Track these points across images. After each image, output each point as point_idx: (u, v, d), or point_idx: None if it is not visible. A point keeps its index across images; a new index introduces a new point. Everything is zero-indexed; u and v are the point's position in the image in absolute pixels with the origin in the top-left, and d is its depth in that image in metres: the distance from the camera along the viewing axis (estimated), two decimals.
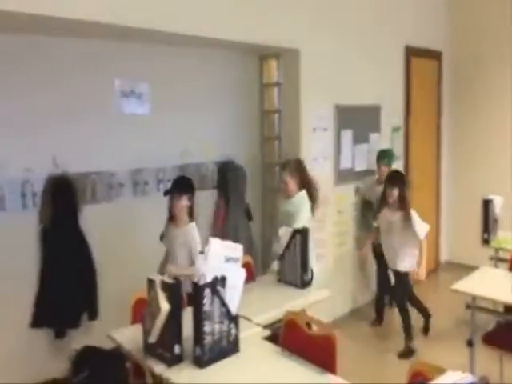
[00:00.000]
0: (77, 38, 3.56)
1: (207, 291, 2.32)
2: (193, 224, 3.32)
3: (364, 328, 4.77)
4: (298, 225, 3.43)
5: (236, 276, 2.46)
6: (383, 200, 4.23)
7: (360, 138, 5.05)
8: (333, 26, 4.61)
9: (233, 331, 2.41)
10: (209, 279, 2.34)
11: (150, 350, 2.40)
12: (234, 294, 2.43)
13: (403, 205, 4.10)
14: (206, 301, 2.32)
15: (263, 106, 4.87)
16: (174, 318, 2.33)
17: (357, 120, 4.98)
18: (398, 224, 4.12)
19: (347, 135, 4.89)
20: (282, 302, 2.94)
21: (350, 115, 4.85)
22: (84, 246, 3.45)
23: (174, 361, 2.30)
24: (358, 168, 5.06)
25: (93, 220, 3.57)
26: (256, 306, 2.87)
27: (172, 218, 3.37)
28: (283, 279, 3.34)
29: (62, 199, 3.41)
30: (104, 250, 3.61)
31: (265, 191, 4.87)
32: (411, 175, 5.68)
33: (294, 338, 2.48)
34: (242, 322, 2.48)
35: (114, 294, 3.51)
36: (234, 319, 2.42)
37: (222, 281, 2.38)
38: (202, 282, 2.32)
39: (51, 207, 3.39)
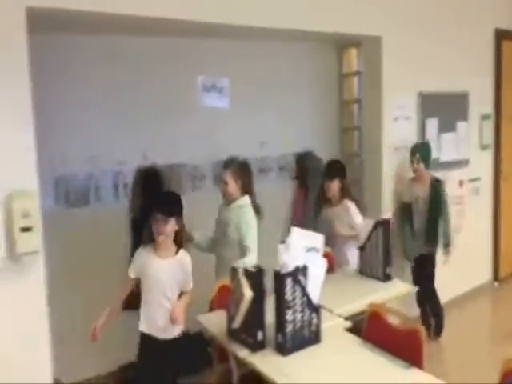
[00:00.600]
0: (162, 38, 3.72)
1: (289, 280, 2.36)
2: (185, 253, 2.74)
3: None
4: (249, 244, 3.03)
5: (317, 266, 2.47)
6: (322, 196, 3.75)
7: (446, 127, 4.84)
8: (415, 10, 4.44)
9: (314, 321, 2.43)
10: (290, 269, 2.37)
11: (233, 335, 2.48)
12: (315, 284, 2.44)
13: (345, 199, 3.62)
14: (288, 290, 2.35)
15: (342, 96, 4.82)
16: (257, 304, 2.39)
17: (442, 108, 4.76)
18: (342, 220, 3.60)
19: (432, 124, 4.71)
20: (363, 295, 2.92)
21: (435, 103, 4.66)
22: None
23: (257, 347, 2.36)
24: (444, 158, 4.85)
25: None
26: (337, 297, 2.86)
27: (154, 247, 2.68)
28: (364, 272, 3.30)
29: (150, 190, 3.57)
30: None
31: None
32: (502, 165, 5.36)
33: (378, 331, 2.45)
34: (323, 313, 2.49)
35: (196, 279, 3.62)
36: (315, 309, 2.43)
37: (303, 270, 2.40)
38: (283, 271, 2.36)
39: (141, 197, 3.56)
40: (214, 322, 2.65)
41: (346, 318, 2.68)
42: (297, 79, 4.50)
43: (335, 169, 3.69)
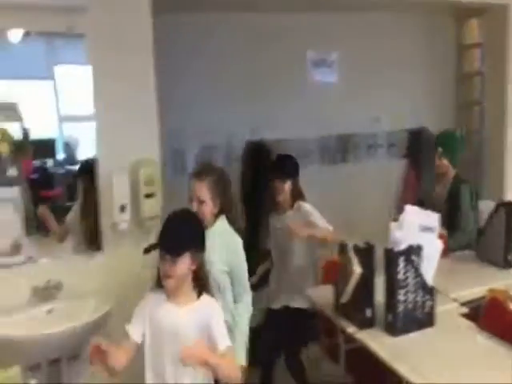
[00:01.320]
0: (273, 13, 3.72)
1: (401, 259, 2.27)
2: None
3: None
4: (245, 283, 2.29)
5: (432, 246, 2.35)
6: (268, 201, 3.00)
7: None
8: None
9: (428, 303, 2.33)
10: (403, 247, 2.28)
11: (341, 310, 2.45)
12: (429, 265, 2.33)
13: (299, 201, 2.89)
14: (400, 269, 2.27)
15: (461, 70, 4.50)
16: (366, 281, 2.34)
17: None
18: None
19: None
20: (480, 280, 2.74)
21: None
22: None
23: (365, 324, 2.32)
24: None
25: None
26: (452, 281, 2.71)
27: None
28: (482, 256, 3.09)
29: (259, 163, 3.63)
30: None
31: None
32: None
33: (498, 319, 2.29)
34: (437, 297, 2.37)
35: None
36: (429, 291, 2.33)
37: (417, 250, 2.30)
38: (396, 250, 2.27)
39: (250, 172, 3.63)
40: (322, 296, 2.64)
41: (463, 304, 2.53)
42: (410, 52, 4.29)
43: (286, 166, 2.99)
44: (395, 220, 2.41)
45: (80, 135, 3.17)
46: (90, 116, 2.82)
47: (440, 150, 3.20)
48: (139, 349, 1.83)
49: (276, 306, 2.95)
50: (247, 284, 2.29)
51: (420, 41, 4.32)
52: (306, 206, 2.86)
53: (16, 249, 2.47)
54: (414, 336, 2.25)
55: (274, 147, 3.83)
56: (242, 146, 3.79)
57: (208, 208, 2.20)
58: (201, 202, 2.20)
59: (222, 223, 2.26)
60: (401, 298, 2.26)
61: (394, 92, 4.24)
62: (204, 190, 2.19)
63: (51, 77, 2.99)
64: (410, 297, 2.29)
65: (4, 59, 2.90)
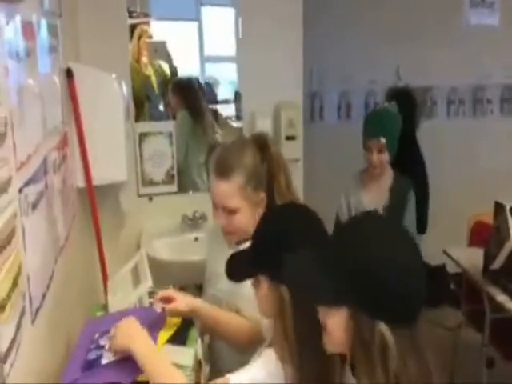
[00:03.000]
0: None
1: None
2: None
3: None
4: None
5: None
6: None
7: None
8: None
9: None
10: None
11: (490, 276, 2.26)
12: None
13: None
14: None
15: None
16: None
17: None
18: None
19: None
20: None
21: None
22: (419, 161, 3.41)
23: None
24: None
25: (429, 136, 3.49)
26: None
27: None
28: None
29: (401, 111, 3.41)
30: (438, 167, 3.51)
31: None
32: None
33: None
34: None
35: (444, 211, 3.42)
36: None
37: None
38: None
39: None
40: (467, 259, 2.46)
41: None
42: None
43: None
44: None
45: (220, 76, 3.22)
46: (232, 57, 2.85)
47: (381, 137, 2.25)
48: None
49: None
50: None
51: None
52: None
53: (170, 179, 2.63)
54: None
55: (419, 95, 3.57)
56: (384, 93, 3.56)
57: (243, 219, 1.42)
58: (232, 212, 1.42)
59: None
60: None
61: None
62: (234, 195, 1.40)
63: (197, 18, 3.03)
64: None
65: (156, 1, 2.99)
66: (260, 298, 1.08)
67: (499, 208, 2.26)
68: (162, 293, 1.38)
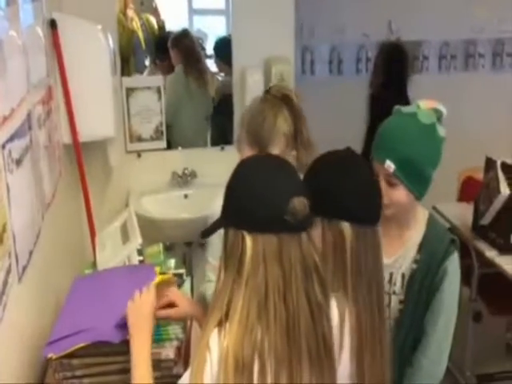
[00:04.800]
0: None
1: None
2: None
3: None
4: None
5: None
6: None
7: None
8: None
9: None
10: None
11: (480, 231, 2.28)
12: None
13: None
14: None
15: None
16: None
17: None
18: None
19: None
20: None
21: None
22: None
23: (507, 249, 2.15)
24: None
25: (420, 91, 3.44)
26: None
27: None
28: None
29: (392, 66, 3.37)
30: None
31: None
32: None
33: None
34: None
35: None
36: None
37: None
38: None
39: (382, 74, 3.39)
40: (456, 214, 2.47)
41: None
42: None
43: None
44: None
45: (209, 30, 3.12)
46: (221, 10, 2.75)
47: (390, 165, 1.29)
48: None
49: None
50: None
51: None
52: None
53: (159, 135, 2.58)
54: None
55: (411, 49, 3.51)
56: (376, 47, 3.49)
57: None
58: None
59: None
60: None
61: None
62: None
63: None
64: None
65: None
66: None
67: (490, 163, 2.25)
68: (166, 299, 1.20)
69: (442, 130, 1.31)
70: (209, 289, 1.34)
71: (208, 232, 1.06)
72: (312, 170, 1.15)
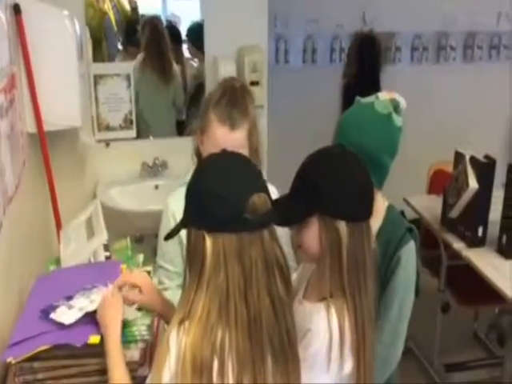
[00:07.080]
0: None
1: None
2: None
3: None
4: None
5: None
6: None
7: None
8: None
9: None
10: None
11: (448, 224, 2.31)
12: None
13: None
14: None
15: None
16: (482, 199, 2.16)
17: None
18: None
19: None
20: None
21: None
22: None
23: (475, 242, 2.18)
24: None
25: (392, 82, 3.46)
26: None
27: None
28: None
29: (365, 57, 3.41)
30: None
31: None
32: None
33: None
34: None
35: (405, 159, 3.42)
36: None
37: None
38: None
39: (355, 64, 3.42)
40: (425, 206, 2.50)
41: None
42: None
43: None
44: None
45: (183, 14, 3.06)
46: None
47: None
48: None
49: None
50: None
51: None
52: None
53: (128, 124, 2.51)
54: None
55: (384, 40, 3.52)
56: (350, 37, 3.49)
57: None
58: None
59: None
60: None
61: None
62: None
63: None
64: None
65: None
66: (309, 239, 1.10)
67: (459, 157, 2.27)
68: (125, 279, 1.18)
69: (398, 120, 1.35)
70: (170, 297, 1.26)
71: (171, 234, 1.04)
72: (307, 168, 1.13)
